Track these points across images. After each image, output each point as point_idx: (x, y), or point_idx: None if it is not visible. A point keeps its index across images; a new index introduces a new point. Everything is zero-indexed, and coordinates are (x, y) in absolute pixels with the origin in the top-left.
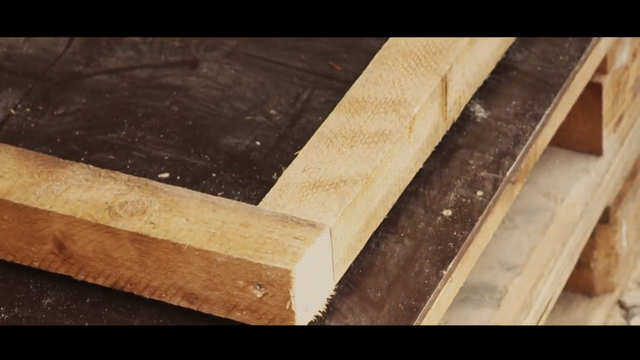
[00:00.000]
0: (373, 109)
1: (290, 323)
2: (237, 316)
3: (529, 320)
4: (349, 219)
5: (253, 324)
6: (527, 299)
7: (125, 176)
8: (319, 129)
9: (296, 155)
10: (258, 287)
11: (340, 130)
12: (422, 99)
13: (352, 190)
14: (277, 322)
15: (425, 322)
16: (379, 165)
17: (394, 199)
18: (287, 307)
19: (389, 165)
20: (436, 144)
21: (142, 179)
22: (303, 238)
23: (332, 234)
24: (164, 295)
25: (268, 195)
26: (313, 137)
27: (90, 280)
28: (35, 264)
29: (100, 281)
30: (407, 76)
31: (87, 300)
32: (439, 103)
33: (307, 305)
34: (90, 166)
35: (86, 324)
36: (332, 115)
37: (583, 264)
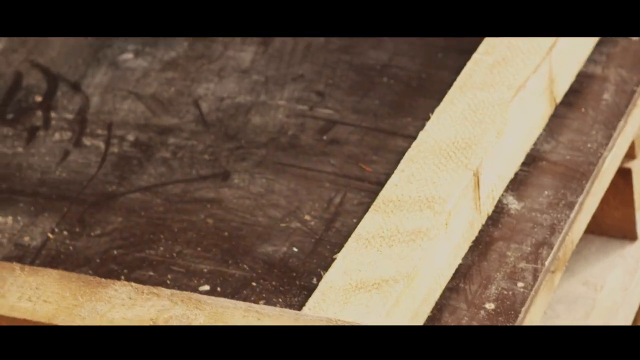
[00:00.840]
0: (408, 208)
1: None
2: None
3: None
4: (393, 319)
5: None
6: None
7: (168, 291)
8: (356, 231)
9: (335, 258)
10: None
11: (378, 231)
12: (456, 194)
13: (394, 289)
14: None
15: None
16: (418, 263)
17: (436, 296)
18: None
19: (428, 262)
20: (473, 238)
21: (185, 293)
22: None
23: None
24: None
25: (311, 299)
26: (351, 239)
27: None
28: None
29: None
30: (439, 173)
31: None
32: (472, 197)
33: None
34: (132, 284)
35: None
36: (368, 216)
37: None
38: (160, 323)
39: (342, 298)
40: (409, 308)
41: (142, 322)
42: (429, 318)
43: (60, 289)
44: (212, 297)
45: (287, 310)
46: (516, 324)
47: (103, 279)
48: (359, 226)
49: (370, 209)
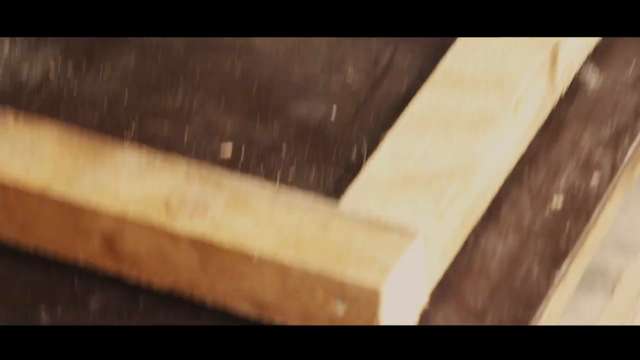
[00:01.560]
0: (471, 86)
1: None
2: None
3: None
4: (445, 220)
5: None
6: None
7: (184, 164)
8: (409, 109)
9: (382, 139)
10: (340, 302)
11: (434, 112)
12: (530, 73)
13: (448, 187)
14: None
15: None
16: (480, 156)
17: (495, 189)
18: (375, 325)
19: (491, 154)
20: (543, 120)
21: (204, 168)
22: (392, 246)
23: (426, 239)
24: (228, 302)
25: (350, 190)
26: (402, 119)
27: (144, 280)
28: (81, 258)
29: (156, 282)
30: (511, 45)
31: (140, 304)
32: (548, 75)
33: (397, 321)
34: (144, 151)
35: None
36: (424, 92)
37: None
38: (174, 204)
39: (387, 192)
40: (464, 207)
41: (151, 201)
42: (484, 216)
43: (59, 148)
44: (235, 177)
45: (320, 201)
46: (587, 226)
47: (109, 141)
48: (412, 102)
49: (426, 83)
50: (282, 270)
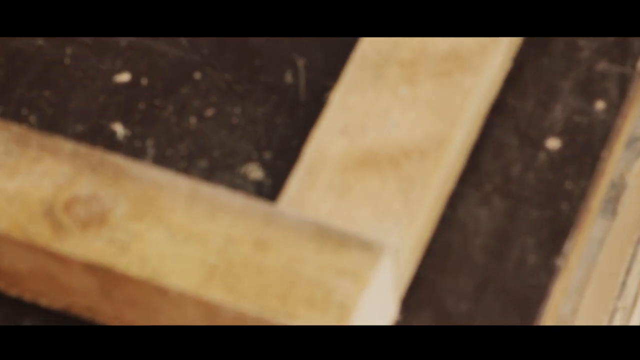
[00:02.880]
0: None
1: None
2: None
3: None
4: (417, 214)
5: None
6: None
7: (69, 146)
8: (359, 49)
9: (328, 97)
10: None
11: (393, 52)
12: None
13: (420, 169)
14: None
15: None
16: (457, 115)
17: (474, 135)
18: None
19: (471, 105)
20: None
21: (97, 153)
22: (354, 273)
23: (395, 250)
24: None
25: (293, 182)
26: (351, 66)
27: (28, 298)
28: None
29: (43, 302)
30: None
31: (25, 325)
32: None
33: None
34: (12, 126)
35: None
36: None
37: None
38: (59, 212)
39: (340, 181)
40: (440, 182)
41: (29, 207)
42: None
43: None
44: (139, 165)
45: (253, 201)
46: (593, 178)
47: None
48: (361, 41)
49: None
50: (209, 310)
